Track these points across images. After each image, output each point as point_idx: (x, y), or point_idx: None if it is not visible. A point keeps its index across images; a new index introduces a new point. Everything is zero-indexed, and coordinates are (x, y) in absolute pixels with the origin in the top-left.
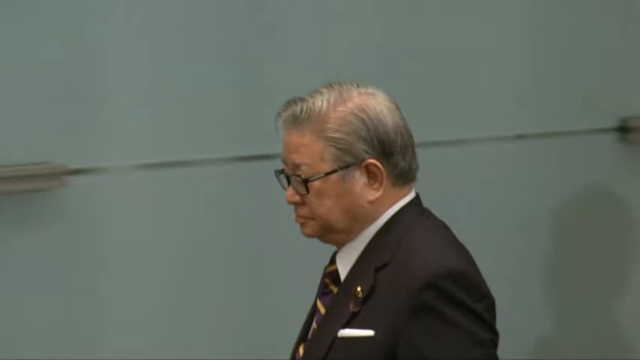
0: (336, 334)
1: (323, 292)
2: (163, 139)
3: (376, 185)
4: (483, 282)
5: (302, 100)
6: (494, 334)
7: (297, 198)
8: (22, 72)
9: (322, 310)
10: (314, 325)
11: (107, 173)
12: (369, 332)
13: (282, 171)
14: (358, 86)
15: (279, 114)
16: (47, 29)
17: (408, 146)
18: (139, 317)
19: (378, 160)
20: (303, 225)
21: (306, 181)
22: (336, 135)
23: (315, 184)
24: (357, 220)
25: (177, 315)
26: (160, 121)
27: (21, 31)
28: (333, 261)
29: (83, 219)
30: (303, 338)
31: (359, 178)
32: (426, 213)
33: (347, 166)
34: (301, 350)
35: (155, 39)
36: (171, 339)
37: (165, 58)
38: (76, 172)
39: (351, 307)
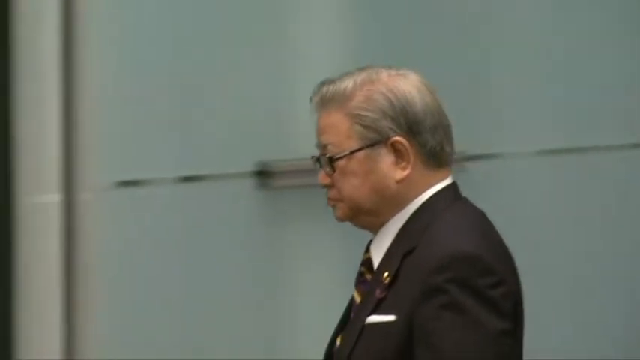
0: (364, 322)
1: (359, 280)
2: (559, 127)
3: (403, 164)
4: (509, 271)
5: (330, 81)
6: (511, 322)
7: (327, 180)
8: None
9: (358, 298)
10: (352, 314)
11: (503, 159)
12: (392, 317)
13: (315, 157)
14: (390, 68)
15: (310, 99)
16: None
17: (439, 127)
18: None
19: (405, 138)
20: (334, 208)
21: (332, 160)
22: (362, 112)
23: (342, 163)
24: (386, 201)
25: None
26: (555, 109)
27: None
28: (368, 249)
29: (481, 204)
30: (341, 328)
31: (385, 157)
32: (462, 200)
33: (373, 144)
34: (338, 341)
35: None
36: None
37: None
38: (474, 158)
39: (378, 294)
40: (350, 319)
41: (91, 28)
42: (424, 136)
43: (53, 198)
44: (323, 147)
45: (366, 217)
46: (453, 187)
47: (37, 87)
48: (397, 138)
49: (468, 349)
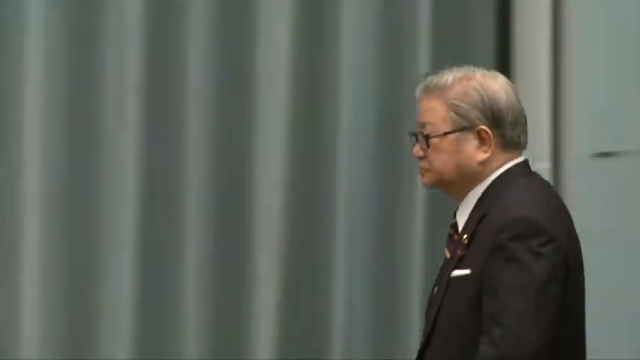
0: (449, 276)
1: (449, 241)
2: None
3: (485, 148)
4: (563, 233)
5: (434, 74)
6: (560, 272)
7: (421, 153)
8: None
9: (448, 255)
10: (442, 270)
11: None
12: (468, 271)
13: (414, 133)
14: (482, 69)
15: (418, 85)
16: None
17: (518, 123)
18: None
19: (489, 128)
20: (422, 175)
21: (427, 138)
22: (457, 102)
23: (435, 141)
24: (466, 177)
25: None
26: None
27: None
28: (454, 215)
29: None
30: (437, 282)
31: (471, 141)
32: (530, 174)
33: (462, 129)
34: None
35: None
36: None
37: None
38: None
39: (459, 252)
40: (441, 274)
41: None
42: (505, 129)
43: (544, 165)
44: (421, 125)
45: (447, 186)
46: (522, 164)
47: (530, 71)
48: (483, 127)
49: (523, 292)
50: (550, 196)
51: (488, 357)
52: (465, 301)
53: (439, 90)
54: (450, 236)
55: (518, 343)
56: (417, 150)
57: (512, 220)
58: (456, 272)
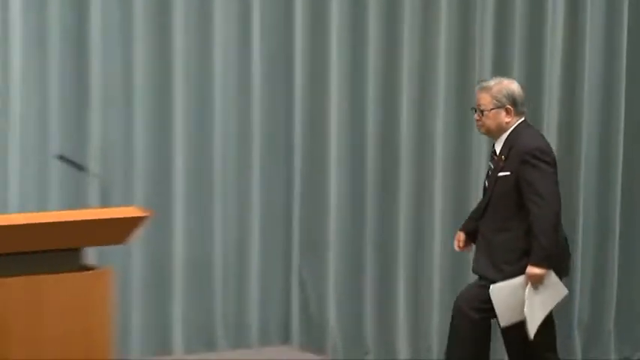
0: (497, 176)
1: (491, 159)
2: None
3: (509, 117)
4: (553, 154)
5: (485, 80)
6: (555, 171)
7: (479, 118)
8: None
9: (492, 166)
10: (489, 175)
11: None
12: (508, 173)
13: (474, 108)
14: (508, 78)
15: (477, 83)
16: None
17: (523, 103)
18: None
19: (511, 106)
20: (479, 128)
21: (482, 111)
22: (496, 94)
23: (485, 112)
24: (500, 129)
25: None
26: None
27: None
28: (493, 147)
29: None
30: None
31: (502, 113)
32: (529, 125)
33: (498, 108)
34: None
35: None
36: None
37: None
38: None
39: (500, 164)
40: (488, 177)
41: None
42: (518, 107)
43: None
44: (478, 105)
45: (490, 134)
46: (525, 122)
47: None
48: (508, 106)
49: (545, 180)
50: (542, 135)
51: (536, 212)
52: (507, 188)
53: (486, 88)
54: (492, 157)
55: (551, 202)
56: (477, 117)
57: (531, 146)
58: (501, 173)
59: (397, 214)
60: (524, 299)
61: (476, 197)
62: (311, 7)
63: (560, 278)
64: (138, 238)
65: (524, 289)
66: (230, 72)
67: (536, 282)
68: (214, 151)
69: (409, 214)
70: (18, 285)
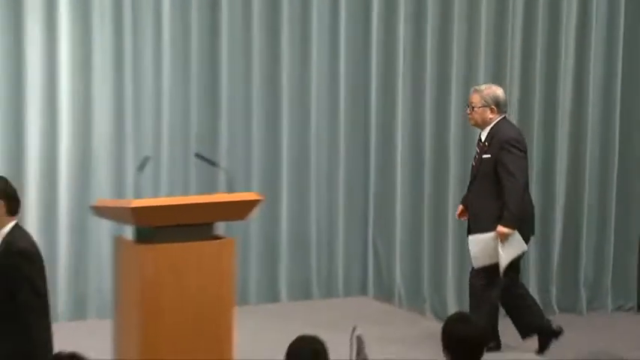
0: (482, 157)
1: (478, 144)
2: None
3: (492, 114)
4: (525, 143)
5: (480, 85)
6: (525, 157)
7: (470, 113)
8: None
9: (478, 150)
10: (476, 156)
11: None
12: (489, 156)
13: (467, 104)
14: (497, 85)
15: (473, 88)
16: None
17: (505, 104)
18: None
19: (495, 106)
20: (469, 121)
21: (473, 108)
22: (485, 96)
23: (475, 109)
24: (485, 123)
25: None
26: None
27: None
28: (480, 136)
29: None
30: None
31: (487, 110)
32: (508, 120)
33: (484, 106)
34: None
35: None
36: None
37: None
38: None
39: (485, 149)
40: (475, 159)
41: None
42: (501, 107)
43: None
44: (470, 103)
45: (478, 126)
46: (506, 117)
47: None
48: (492, 106)
49: (516, 164)
50: (518, 129)
51: (507, 185)
52: (489, 169)
53: (479, 91)
54: (478, 144)
55: (517, 181)
56: (469, 112)
57: (508, 136)
58: (484, 156)
59: (447, 196)
60: (493, 249)
61: None
62: (384, 31)
63: (530, 235)
64: (254, 215)
65: (495, 242)
66: (322, 86)
67: (504, 238)
68: (311, 150)
69: (456, 195)
70: (168, 250)
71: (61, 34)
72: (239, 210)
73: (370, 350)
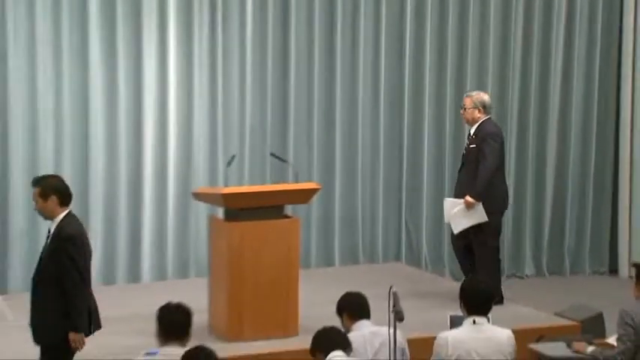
0: (470, 147)
1: (468, 137)
2: None
3: (480, 114)
4: (503, 136)
5: (471, 91)
6: (502, 147)
7: (463, 113)
8: None
9: (467, 141)
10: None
11: None
12: (475, 146)
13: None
14: (484, 91)
15: (466, 94)
16: None
17: (491, 107)
18: None
19: (482, 108)
20: (463, 119)
21: (465, 109)
22: (475, 100)
23: (467, 109)
24: (474, 121)
25: None
26: None
27: None
28: (469, 131)
29: None
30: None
31: (476, 111)
32: (491, 119)
33: (474, 108)
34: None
35: None
36: None
37: None
38: None
39: (473, 140)
40: (465, 149)
41: None
42: (486, 109)
43: None
44: (463, 105)
45: (469, 123)
46: (490, 117)
47: None
48: (480, 108)
49: (493, 152)
50: (499, 127)
51: (480, 168)
52: (474, 157)
53: (470, 96)
54: (468, 136)
55: (490, 165)
56: (463, 112)
57: (490, 132)
58: (472, 146)
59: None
60: (462, 212)
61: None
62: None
63: (503, 210)
64: (314, 199)
65: (461, 207)
66: (367, 101)
67: (469, 206)
68: (358, 149)
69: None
70: (249, 226)
71: (170, 56)
72: (303, 196)
73: (403, 303)
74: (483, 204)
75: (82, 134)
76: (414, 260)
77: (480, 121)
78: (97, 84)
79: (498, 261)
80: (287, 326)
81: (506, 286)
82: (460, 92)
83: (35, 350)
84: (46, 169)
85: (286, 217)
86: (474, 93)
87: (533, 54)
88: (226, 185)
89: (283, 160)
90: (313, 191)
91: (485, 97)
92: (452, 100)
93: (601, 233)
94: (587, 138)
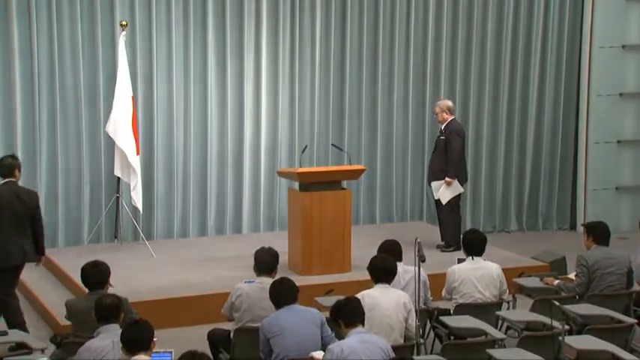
0: (440, 139)
1: (439, 131)
2: None
3: (447, 115)
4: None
5: (440, 100)
6: (463, 140)
7: (435, 115)
8: None
9: (440, 134)
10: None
11: None
12: (443, 138)
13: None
14: (448, 99)
15: (436, 103)
16: None
17: (455, 110)
18: None
19: (448, 111)
20: (436, 119)
21: (437, 113)
22: (442, 106)
23: (438, 113)
24: (444, 121)
25: None
26: None
27: None
28: (440, 127)
29: None
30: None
31: (444, 113)
32: (456, 119)
33: (442, 111)
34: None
35: None
36: None
37: None
38: None
39: (443, 134)
40: (436, 141)
41: None
42: (452, 111)
43: None
44: (434, 110)
45: (439, 122)
46: (455, 118)
47: None
48: (446, 111)
49: (455, 144)
50: (461, 125)
51: (449, 155)
52: (442, 145)
53: (439, 104)
54: (439, 131)
55: (457, 152)
56: (436, 116)
57: (454, 129)
58: (442, 138)
59: (470, 167)
60: (445, 190)
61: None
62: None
63: (464, 182)
64: (362, 177)
65: (443, 185)
66: (399, 102)
67: (449, 184)
68: (394, 139)
69: (478, 170)
70: (316, 195)
71: (262, 72)
72: (354, 174)
73: (425, 250)
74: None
75: (203, 132)
76: (432, 219)
77: (447, 121)
78: (212, 96)
79: (459, 219)
80: (343, 265)
81: (497, 238)
82: (461, 96)
83: None
84: (178, 155)
85: (342, 188)
86: (441, 102)
87: (518, 56)
88: (301, 166)
89: (340, 149)
90: (361, 171)
91: (449, 102)
92: (460, 104)
93: (564, 200)
94: (555, 128)
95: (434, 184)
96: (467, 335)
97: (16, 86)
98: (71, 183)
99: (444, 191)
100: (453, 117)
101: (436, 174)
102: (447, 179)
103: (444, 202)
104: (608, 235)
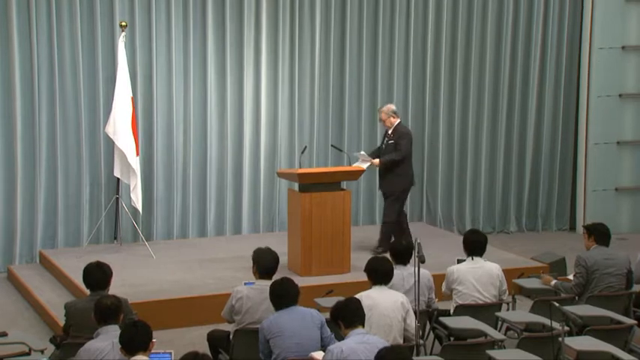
0: (388, 142)
1: (384, 135)
2: None
3: (394, 119)
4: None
5: (384, 106)
6: (410, 140)
7: (382, 121)
8: None
9: (387, 138)
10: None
11: None
12: (392, 141)
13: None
14: (392, 103)
15: (379, 109)
16: None
17: (398, 113)
18: None
19: (394, 114)
20: (384, 125)
21: (383, 119)
22: (387, 111)
23: (384, 118)
24: (391, 124)
25: None
26: None
27: None
28: (386, 131)
29: None
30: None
31: (391, 117)
32: (402, 123)
33: (390, 117)
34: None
35: None
36: None
37: None
38: None
39: (390, 137)
40: (383, 143)
41: None
42: (397, 115)
43: None
44: (380, 116)
45: (386, 126)
46: (401, 122)
47: None
48: (392, 114)
49: (402, 148)
50: (408, 128)
51: (393, 156)
52: (392, 148)
53: (384, 109)
54: (386, 134)
55: (405, 151)
56: (382, 122)
57: (402, 132)
58: (390, 141)
59: (467, 171)
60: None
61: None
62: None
63: (409, 187)
64: (361, 178)
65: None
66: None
67: (372, 164)
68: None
69: (475, 169)
70: (316, 195)
71: (262, 78)
72: (353, 175)
73: (424, 250)
74: (391, 183)
75: (203, 133)
76: (432, 220)
77: (395, 124)
78: (212, 97)
79: (395, 223)
80: (342, 265)
81: (497, 239)
82: (461, 97)
83: None
84: (178, 155)
85: (342, 189)
86: (384, 107)
87: (518, 57)
88: (300, 167)
89: (340, 150)
90: (360, 172)
91: (393, 106)
92: (460, 105)
93: (564, 202)
94: (555, 129)
95: (362, 154)
96: (467, 336)
97: (16, 87)
98: (71, 184)
99: (362, 162)
100: (399, 120)
101: (383, 174)
102: (376, 161)
103: (358, 165)
104: (609, 237)
